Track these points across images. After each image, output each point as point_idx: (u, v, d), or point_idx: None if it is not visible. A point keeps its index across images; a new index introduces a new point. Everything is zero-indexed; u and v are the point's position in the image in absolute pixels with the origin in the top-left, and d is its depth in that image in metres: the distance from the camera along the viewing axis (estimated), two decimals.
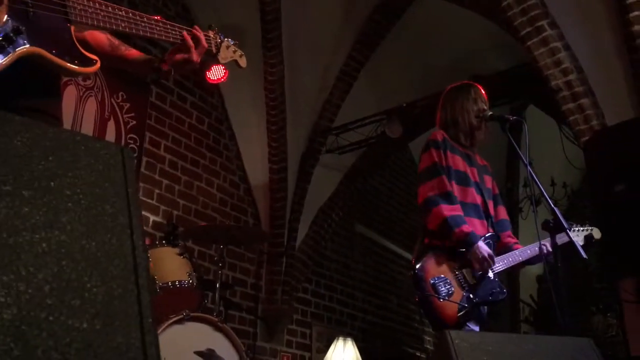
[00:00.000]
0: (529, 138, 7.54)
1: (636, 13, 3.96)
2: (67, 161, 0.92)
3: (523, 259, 2.85)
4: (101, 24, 1.66)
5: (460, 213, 2.72)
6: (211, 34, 2.07)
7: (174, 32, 1.87)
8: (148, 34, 1.79)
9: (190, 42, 1.86)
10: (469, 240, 2.66)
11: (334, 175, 6.83)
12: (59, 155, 0.92)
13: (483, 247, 2.66)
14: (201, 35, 1.90)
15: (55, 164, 0.92)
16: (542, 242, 2.84)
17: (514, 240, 2.98)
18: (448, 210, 2.70)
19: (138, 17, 1.76)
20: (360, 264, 7.65)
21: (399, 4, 6.16)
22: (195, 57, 1.87)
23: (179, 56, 1.89)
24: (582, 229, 3.07)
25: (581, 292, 7.85)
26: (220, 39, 2.10)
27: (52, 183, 0.91)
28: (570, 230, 2.91)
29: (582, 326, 7.80)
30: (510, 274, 8.57)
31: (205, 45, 1.92)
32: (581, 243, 2.97)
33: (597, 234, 3.07)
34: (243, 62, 2.20)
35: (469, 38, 6.01)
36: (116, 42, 1.90)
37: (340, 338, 6.24)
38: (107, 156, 0.96)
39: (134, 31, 1.74)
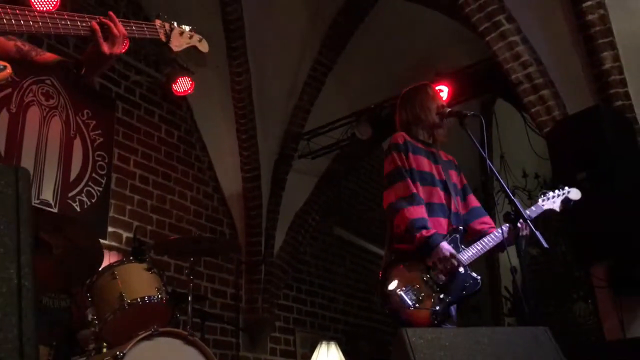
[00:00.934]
0: (499, 131, 7.56)
1: (589, 3, 4.03)
2: None
3: (494, 243, 2.79)
4: (7, 28, 1.57)
5: (424, 216, 2.70)
6: (158, 22, 1.96)
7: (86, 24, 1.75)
8: (71, 32, 1.69)
9: (99, 33, 1.74)
10: (430, 244, 2.65)
11: (308, 180, 6.84)
12: None
13: (445, 247, 2.65)
14: (111, 22, 1.76)
15: None
16: (503, 226, 2.80)
17: (489, 224, 2.94)
18: (411, 213, 2.69)
19: (56, 16, 1.65)
20: (341, 267, 7.65)
21: (362, 5, 6.19)
22: (106, 47, 1.74)
23: (90, 49, 1.78)
24: (557, 193, 2.97)
25: (562, 280, 7.91)
26: (171, 26, 1.99)
27: None
28: (545, 197, 2.92)
29: (564, 314, 7.85)
30: (491, 268, 8.61)
31: (119, 32, 1.77)
32: (559, 209, 2.94)
33: (575, 194, 2.94)
34: (203, 46, 2.09)
35: (432, 36, 6.05)
36: (26, 47, 1.81)
37: (323, 342, 6.24)
38: None
39: (51, 31, 1.63)
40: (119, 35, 1.76)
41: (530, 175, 7.33)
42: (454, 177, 3.08)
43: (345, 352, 6.29)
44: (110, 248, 4.81)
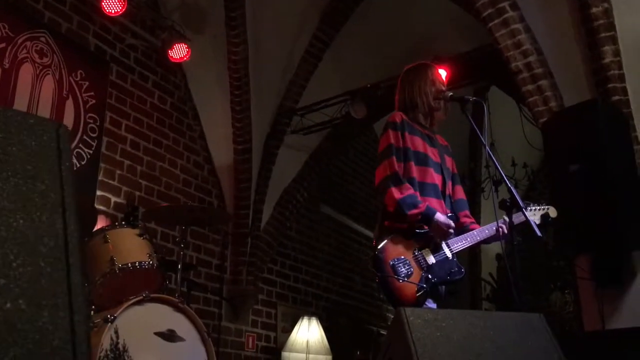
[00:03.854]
0: (490, 119, 7.60)
1: None
2: None
3: (481, 238, 2.88)
4: None
5: (410, 192, 2.74)
6: None
7: None
8: None
9: None
10: (425, 217, 2.69)
11: (299, 156, 6.82)
12: None
13: (440, 218, 2.71)
14: None
15: None
16: (500, 224, 2.86)
17: (471, 219, 3.02)
18: (398, 192, 2.72)
19: None
20: (325, 245, 7.69)
21: None
22: None
23: None
24: (538, 207, 3.09)
25: (541, 269, 8.04)
26: None
27: None
28: (526, 210, 2.97)
29: (541, 303, 8.00)
30: (472, 253, 8.72)
31: None
32: (538, 222, 3.01)
33: (553, 212, 3.08)
34: None
35: (431, 19, 6.02)
36: None
37: (305, 317, 6.29)
38: (40, 133, 0.94)
39: None
40: None
41: (519, 165, 7.39)
42: (448, 162, 3.11)
43: (325, 329, 6.35)
44: (98, 212, 4.77)
